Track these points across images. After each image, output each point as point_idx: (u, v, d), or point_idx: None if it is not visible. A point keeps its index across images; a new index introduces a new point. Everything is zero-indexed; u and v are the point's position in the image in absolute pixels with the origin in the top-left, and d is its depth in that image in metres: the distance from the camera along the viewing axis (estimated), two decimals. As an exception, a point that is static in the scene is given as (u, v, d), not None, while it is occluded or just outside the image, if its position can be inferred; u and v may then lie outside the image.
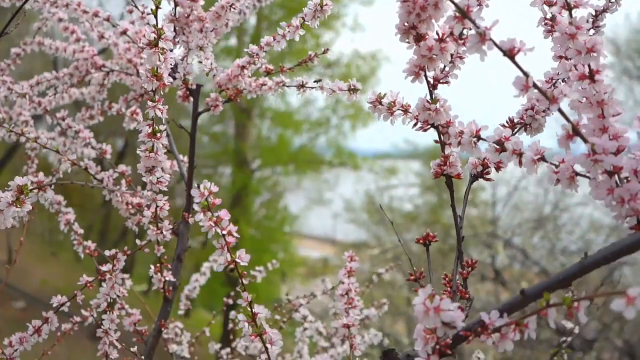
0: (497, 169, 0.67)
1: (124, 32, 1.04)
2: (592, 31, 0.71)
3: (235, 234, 0.63)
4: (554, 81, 0.69)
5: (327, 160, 12.02)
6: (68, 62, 1.27)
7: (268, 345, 0.65)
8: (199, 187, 0.61)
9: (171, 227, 0.91)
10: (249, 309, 0.65)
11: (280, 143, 11.70)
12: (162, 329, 1.00)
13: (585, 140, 0.51)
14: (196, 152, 1.05)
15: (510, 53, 0.51)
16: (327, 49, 0.99)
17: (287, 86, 0.97)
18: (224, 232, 0.62)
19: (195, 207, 0.62)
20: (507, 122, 0.69)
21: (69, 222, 1.12)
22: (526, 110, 0.68)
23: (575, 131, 0.51)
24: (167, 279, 0.98)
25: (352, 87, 0.85)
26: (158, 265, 0.96)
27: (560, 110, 0.51)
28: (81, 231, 1.10)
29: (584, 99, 0.54)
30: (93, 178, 1.02)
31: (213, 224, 0.62)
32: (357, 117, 11.74)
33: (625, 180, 0.52)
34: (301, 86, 0.95)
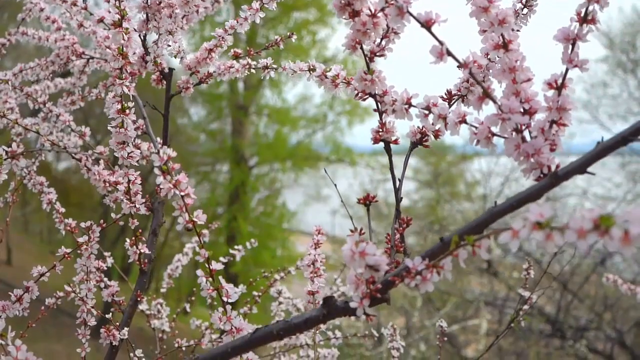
0: (436, 137, 0.73)
1: (101, 20, 1.10)
2: (525, 10, 0.77)
3: (193, 196, 0.69)
4: (489, 55, 0.75)
5: (325, 157, 12.07)
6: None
7: (224, 299, 0.71)
8: (158, 152, 0.67)
9: (144, 200, 0.97)
10: (206, 266, 0.71)
11: (277, 140, 11.75)
12: (138, 299, 1.05)
13: (494, 102, 0.57)
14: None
15: (427, 24, 0.57)
16: (293, 34, 1.05)
17: (254, 68, 1.03)
18: (183, 193, 0.68)
19: (156, 170, 0.68)
20: (445, 93, 0.75)
21: (51, 202, 1.17)
22: (462, 82, 0.74)
23: (486, 94, 0.57)
24: (142, 251, 1.04)
25: (311, 67, 0.90)
26: (133, 238, 1.02)
27: (472, 75, 0.57)
28: (63, 210, 1.16)
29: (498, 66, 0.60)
30: (72, 157, 1.08)
31: (172, 186, 0.68)
32: (354, 114, 11.80)
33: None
34: (265, 67, 1.01)
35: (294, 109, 12.23)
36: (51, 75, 1.27)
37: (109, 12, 1.09)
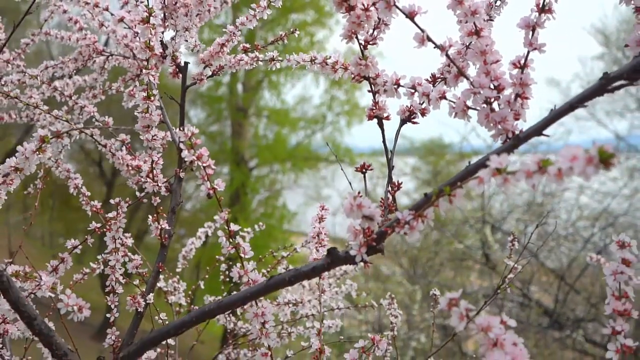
0: (422, 114, 0.85)
1: (121, 20, 1.22)
2: (498, 2, 0.89)
3: (213, 167, 0.80)
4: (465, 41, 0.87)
5: (324, 157, 12.18)
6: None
7: (242, 255, 0.82)
8: (184, 129, 0.79)
9: (165, 180, 1.09)
10: (226, 227, 0.83)
11: (276, 141, 11.86)
12: (160, 270, 1.17)
13: (467, 79, 0.69)
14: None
15: (411, 15, 0.69)
16: (295, 29, 1.16)
17: (261, 61, 1.14)
18: (205, 164, 0.80)
19: (182, 145, 0.79)
20: (430, 77, 0.87)
21: (77, 186, 1.29)
22: (444, 66, 0.86)
23: (460, 72, 0.69)
24: (163, 227, 1.15)
25: (313, 57, 1.02)
26: (155, 215, 1.14)
27: (448, 56, 0.69)
28: (88, 193, 1.27)
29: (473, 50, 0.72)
30: (98, 144, 1.19)
31: (196, 158, 0.80)
32: (353, 114, 11.91)
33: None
34: (272, 59, 1.13)
35: (293, 110, 12.34)
36: (74, 71, 1.38)
37: (129, 12, 1.21)
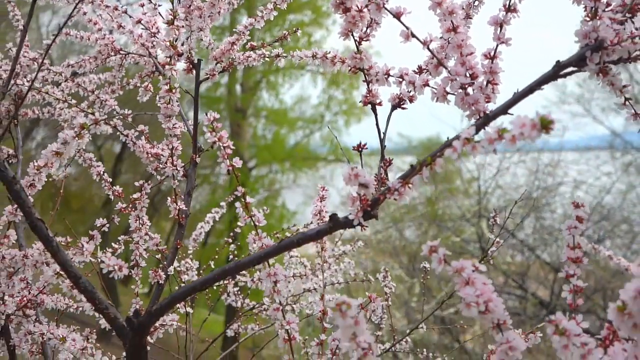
0: (410, 100, 0.98)
1: (139, 21, 1.34)
2: (476, 2, 1.02)
3: (232, 147, 0.93)
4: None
5: (322, 157, 12.31)
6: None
7: (257, 223, 0.95)
8: (206, 114, 0.92)
9: (183, 165, 1.22)
10: (243, 200, 0.96)
11: (275, 141, 11.99)
12: (178, 247, 1.30)
13: (445, 68, 0.82)
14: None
15: (397, 15, 0.82)
16: (297, 29, 1.29)
17: (267, 57, 1.28)
18: (225, 145, 0.93)
19: (204, 129, 0.92)
20: (417, 68, 1.00)
21: (100, 174, 1.41)
22: (428, 59, 0.99)
23: (439, 63, 0.82)
24: (180, 207, 1.28)
25: (314, 54, 1.15)
26: (174, 196, 1.27)
27: (429, 50, 0.82)
28: (110, 179, 1.40)
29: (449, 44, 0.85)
30: (120, 134, 1.32)
31: (217, 140, 0.93)
32: (351, 113, 12.05)
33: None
34: (277, 56, 1.26)
35: (291, 110, 12.46)
36: (95, 68, 1.51)
37: (145, 13, 1.34)
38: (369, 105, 0.99)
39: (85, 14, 1.53)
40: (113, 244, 1.42)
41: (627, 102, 0.79)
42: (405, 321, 7.12)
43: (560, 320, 0.61)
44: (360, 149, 0.96)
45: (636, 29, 0.76)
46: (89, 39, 1.54)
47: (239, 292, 1.73)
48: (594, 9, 0.75)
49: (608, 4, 0.75)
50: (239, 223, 0.98)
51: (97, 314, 1.14)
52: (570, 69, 0.76)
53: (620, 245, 7.08)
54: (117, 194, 1.37)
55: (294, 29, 1.29)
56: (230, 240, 1.91)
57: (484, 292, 0.68)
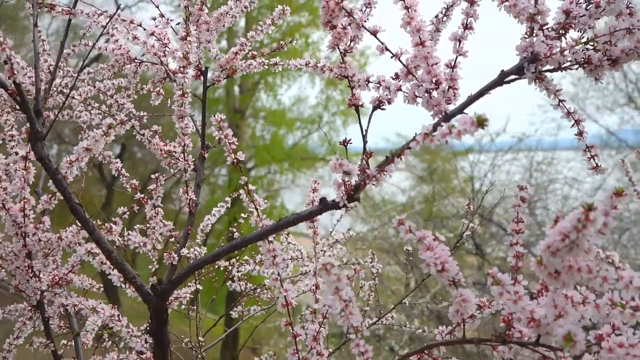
0: (389, 102, 1.15)
1: (152, 34, 1.52)
2: (444, 18, 1.19)
3: (236, 142, 1.11)
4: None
5: (321, 157, 12.48)
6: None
7: (257, 207, 1.13)
8: (214, 115, 1.09)
9: (194, 159, 1.39)
10: (246, 187, 1.13)
11: (274, 142, 12.14)
12: (189, 232, 1.47)
13: (414, 76, 1.00)
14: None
15: (374, 33, 0.99)
16: (293, 39, 1.47)
17: (267, 65, 1.45)
18: (230, 141, 1.10)
19: (213, 127, 1.10)
20: (394, 74, 1.17)
21: (118, 169, 1.59)
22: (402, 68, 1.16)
23: (408, 71, 1.00)
24: (191, 197, 1.46)
25: (307, 62, 1.32)
26: (185, 188, 1.45)
27: (400, 61, 1.00)
28: (127, 174, 1.58)
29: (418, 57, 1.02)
30: (137, 133, 1.50)
31: (224, 137, 1.10)
32: (349, 113, 12.21)
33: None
34: (276, 64, 1.44)
35: (289, 110, 12.62)
36: (112, 76, 1.69)
37: (157, 26, 1.51)
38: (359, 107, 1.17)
39: (104, 27, 1.70)
40: (130, 232, 1.60)
41: (560, 104, 0.96)
42: (402, 316, 7.30)
43: (495, 273, 0.79)
44: (345, 144, 1.13)
45: (573, 40, 0.94)
46: (106, 49, 1.72)
47: (243, 278, 1.90)
48: (530, 28, 0.92)
49: (542, 26, 0.93)
50: (239, 220, 1.15)
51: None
52: (513, 76, 0.93)
53: (610, 240, 7.26)
54: (134, 186, 1.54)
55: (291, 40, 1.46)
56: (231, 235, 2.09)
57: (440, 255, 0.86)
